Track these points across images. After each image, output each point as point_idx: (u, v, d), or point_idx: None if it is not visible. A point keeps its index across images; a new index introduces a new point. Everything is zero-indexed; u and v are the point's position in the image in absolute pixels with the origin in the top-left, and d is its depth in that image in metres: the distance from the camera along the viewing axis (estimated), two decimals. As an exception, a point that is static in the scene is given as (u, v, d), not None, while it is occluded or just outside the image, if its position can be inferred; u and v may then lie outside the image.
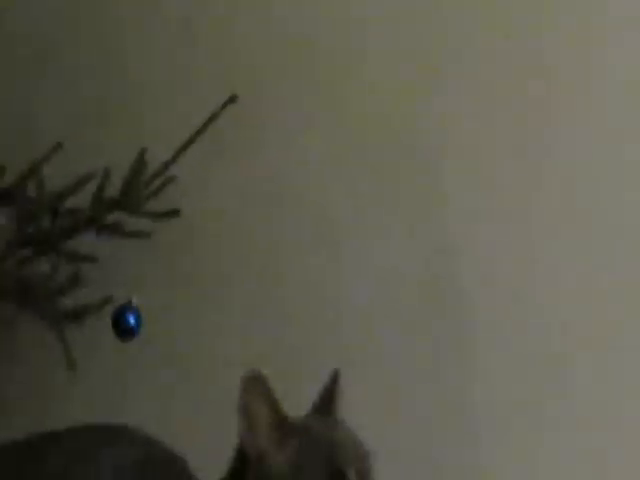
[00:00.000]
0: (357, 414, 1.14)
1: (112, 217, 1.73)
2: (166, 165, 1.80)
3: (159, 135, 1.87)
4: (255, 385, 1.04)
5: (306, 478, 1.03)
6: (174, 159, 1.82)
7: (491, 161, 1.75)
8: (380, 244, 1.81)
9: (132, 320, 1.71)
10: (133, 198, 1.75)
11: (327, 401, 1.13)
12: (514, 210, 1.74)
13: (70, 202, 1.69)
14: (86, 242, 1.70)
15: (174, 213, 1.79)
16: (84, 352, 1.65)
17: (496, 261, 1.73)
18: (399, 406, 1.74)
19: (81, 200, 1.70)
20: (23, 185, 1.64)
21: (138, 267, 1.86)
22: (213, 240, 1.88)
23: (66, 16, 1.96)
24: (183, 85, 1.94)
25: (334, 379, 1.14)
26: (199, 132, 1.85)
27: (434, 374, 1.74)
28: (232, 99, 1.88)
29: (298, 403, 1.11)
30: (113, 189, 1.73)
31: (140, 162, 1.78)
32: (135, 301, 1.71)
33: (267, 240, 1.86)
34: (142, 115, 1.94)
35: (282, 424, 1.05)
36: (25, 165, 1.68)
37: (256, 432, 1.04)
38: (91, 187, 1.70)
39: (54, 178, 1.69)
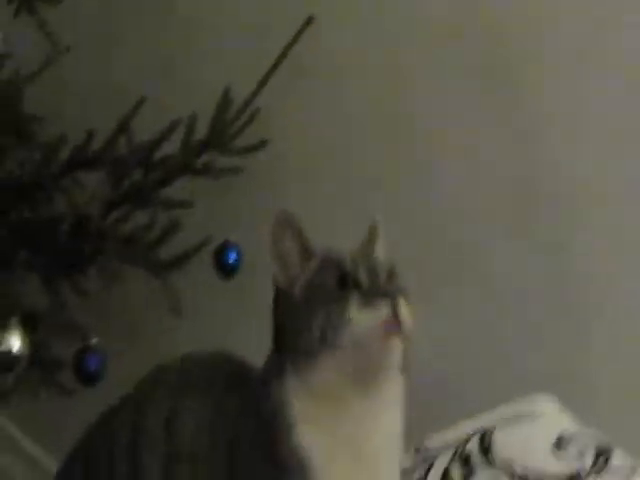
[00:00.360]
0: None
1: (202, 160, 1.72)
2: (250, 98, 1.78)
3: (240, 70, 1.84)
4: (285, 222, 1.07)
5: (317, 287, 1.05)
6: (257, 91, 1.78)
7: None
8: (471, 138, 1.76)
9: (233, 257, 1.72)
10: (221, 137, 1.72)
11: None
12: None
13: (160, 152, 1.69)
14: (179, 188, 1.70)
15: (262, 145, 1.76)
16: (188, 295, 1.67)
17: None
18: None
19: (171, 149, 1.69)
20: (113, 144, 1.64)
21: (233, 205, 1.85)
22: (306, 169, 1.87)
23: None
24: (258, 14, 1.89)
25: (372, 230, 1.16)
26: (279, 60, 1.81)
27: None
28: (309, 21, 1.83)
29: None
30: (199, 134, 1.71)
31: (225, 100, 1.76)
32: (234, 238, 1.72)
33: (359, 161, 1.83)
34: (221, 53, 1.91)
35: (309, 256, 1.08)
36: (113, 123, 1.68)
37: (287, 267, 1.07)
38: (178, 135, 1.69)
39: (142, 132, 1.68)
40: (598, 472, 1.35)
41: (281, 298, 1.09)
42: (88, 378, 1.55)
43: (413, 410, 1.52)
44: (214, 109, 1.74)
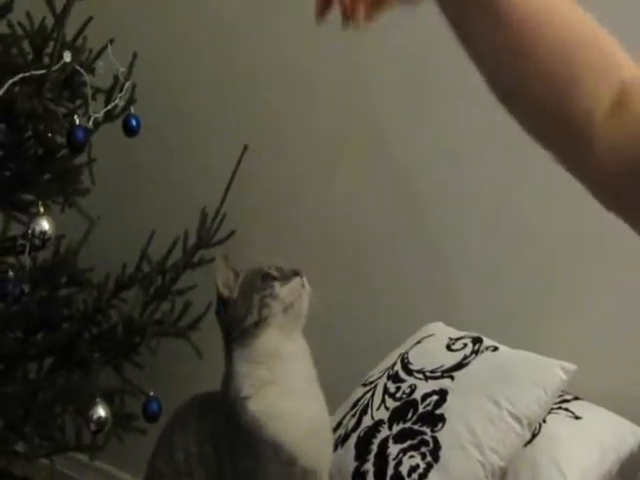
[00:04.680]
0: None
1: (196, 257, 2.45)
2: (219, 211, 2.51)
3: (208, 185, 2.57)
4: (225, 262, 1.68)
5: (248, 287, 1.62)
6: (221, 205, 2.52)
7: None
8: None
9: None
10: (206, 239, 2.46)
11: None
12: None
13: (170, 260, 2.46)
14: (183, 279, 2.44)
15: (231, 235, 2.48)
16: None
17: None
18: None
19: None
20: (140, 267, 2.40)
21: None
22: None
23: None
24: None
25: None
26: (235, 170, 2.54)
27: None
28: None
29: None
30: (190, 240, 2.47)
31: (203, 215, 2.49)
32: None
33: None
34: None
35: (237, 275, 1.66)
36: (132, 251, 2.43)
37: (228, 285, 1.65)
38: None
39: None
40: (476, 353, 1.96)
41: (224, 307, 1.66)
42: (153, 418, 2.24)
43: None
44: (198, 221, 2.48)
